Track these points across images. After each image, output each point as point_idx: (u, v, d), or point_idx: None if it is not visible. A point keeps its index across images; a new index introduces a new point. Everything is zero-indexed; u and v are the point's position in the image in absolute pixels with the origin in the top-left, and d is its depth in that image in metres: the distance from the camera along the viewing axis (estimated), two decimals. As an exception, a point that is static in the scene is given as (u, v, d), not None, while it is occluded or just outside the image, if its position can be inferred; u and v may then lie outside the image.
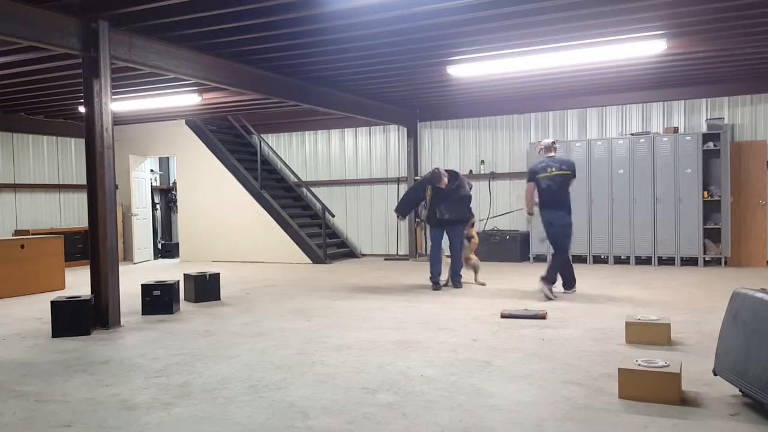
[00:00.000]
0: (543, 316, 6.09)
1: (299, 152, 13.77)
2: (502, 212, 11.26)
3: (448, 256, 8.31)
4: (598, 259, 10.74)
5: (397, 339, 5.30)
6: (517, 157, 11.83)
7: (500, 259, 11.08)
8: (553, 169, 7.43)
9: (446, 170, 8.19)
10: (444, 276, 8.27)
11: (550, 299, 7.01)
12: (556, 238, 7.31)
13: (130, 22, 6.33)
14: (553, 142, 7.73)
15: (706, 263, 10.14)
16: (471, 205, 8.38)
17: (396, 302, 7.26)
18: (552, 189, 7.36)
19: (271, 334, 5.63)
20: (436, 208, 8.08)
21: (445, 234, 8.21)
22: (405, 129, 12.61)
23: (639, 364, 3.64)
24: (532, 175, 7.50)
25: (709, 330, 5.28)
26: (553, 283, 7.22)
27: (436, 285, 8.13)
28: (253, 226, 12.39)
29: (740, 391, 3.49)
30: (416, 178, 12.45)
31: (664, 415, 3.34)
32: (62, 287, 8.87)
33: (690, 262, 10.21)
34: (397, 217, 8.74)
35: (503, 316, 6.15)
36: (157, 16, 6.22)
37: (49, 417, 3.55)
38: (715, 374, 3.63)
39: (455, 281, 8.22)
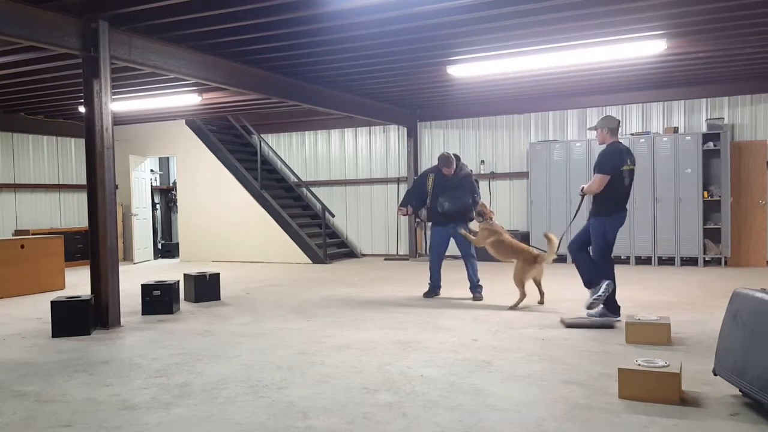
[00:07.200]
0: (612, 326, 5.53)
1: (299, 152, 13.77)
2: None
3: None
4: (598, 259, 10.73)
5: (397, 339, 5.30)
6: (517, 157, 11.83)
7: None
8: (629, 162, 5.68)
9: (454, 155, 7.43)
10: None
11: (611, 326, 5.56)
12: (610, 247, 5.78)
13: (130, 22, 6.33)
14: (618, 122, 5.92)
15: (706, 263, 10.14)
16: (476, 191, 7.42)
17: (396, 302, 7.26)
18: (628, 189, 5.73)
19: (271, 334, 5.63)
20: (437, 201, 7.31)
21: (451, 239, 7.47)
22: (405, 129, 12.61)
23: (639, 364, 3.64)
24: (614, 166, 5.60)
25: (709, 330, 5.28)
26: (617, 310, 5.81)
27: (429, 293, 7.55)
28: (253, 226, 12.38)
29: (740, 391, 3.49)
30: (416, 177, 12.45)
31: (664, 415, 3.34)
32: (62, 287, 8.87)
33: (690, 262, 10.20)
34: (399, 210, 7.70)
35: (567, 326, 5.61)
36: (157, 16, 6.22)
37: (49, 417, 3.55)
38: (715, 374, 3.63)
39: (475, 293, 7.33)
